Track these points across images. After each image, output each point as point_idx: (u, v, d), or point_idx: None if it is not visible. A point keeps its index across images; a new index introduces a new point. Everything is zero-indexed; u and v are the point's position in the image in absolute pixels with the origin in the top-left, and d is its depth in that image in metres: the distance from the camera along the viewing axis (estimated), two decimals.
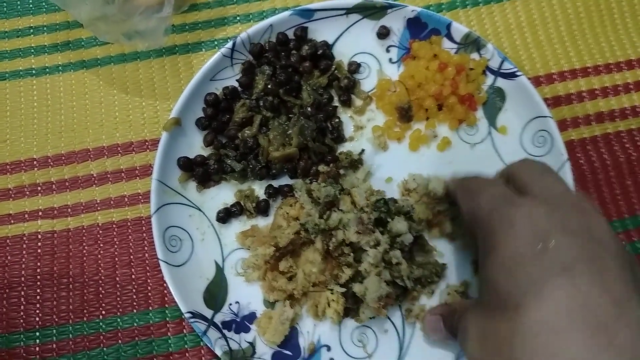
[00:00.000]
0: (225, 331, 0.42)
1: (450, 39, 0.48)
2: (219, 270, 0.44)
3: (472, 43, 0.47)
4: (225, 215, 0.45)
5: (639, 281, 0.27)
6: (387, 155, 0.47)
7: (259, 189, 0.46)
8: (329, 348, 0.42)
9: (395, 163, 0.47)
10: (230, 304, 0.43)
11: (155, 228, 0.43)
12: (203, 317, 0.42)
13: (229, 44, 0.46)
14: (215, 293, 0.43)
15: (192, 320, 0.41)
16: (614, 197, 0.48)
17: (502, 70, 0.47)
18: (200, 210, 0.46)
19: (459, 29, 0.47)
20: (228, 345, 0.41)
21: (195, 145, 0.47)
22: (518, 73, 0.46)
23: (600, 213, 0.30)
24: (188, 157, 0.46)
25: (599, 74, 0.51)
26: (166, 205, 0.44)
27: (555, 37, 0.52)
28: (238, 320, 0.43)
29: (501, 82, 0.47)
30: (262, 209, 0.45)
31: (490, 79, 0.47)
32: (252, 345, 0.42)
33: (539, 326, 0.25)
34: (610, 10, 0.53)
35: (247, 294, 0.44)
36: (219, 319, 0.42)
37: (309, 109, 0.47)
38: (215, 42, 0.52)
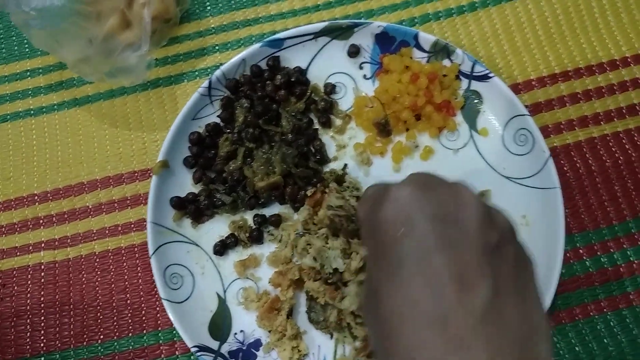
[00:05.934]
0: None
1: (420, 48, 0.48)
2: (221, 301, 0.46)
3: (441, 50, 0.47)
4: (222, 248, 0.47)
5: (506, 264, 0.26)
6: (372, 170, 0.48)
7: (251, 219, 0.48)
8: None
9: (380, 177, 0.47)
10: (236, 333, 0.45)
11: (155, 268, 0.44)
12: (209, 350, 0.43)
13: (205, 83, 0.48)
14: (220, 324, 0.45)
15: (199, 353, 0.43)
16: (601, 204, 0.46)
17: (474, 74, 0.47)
18: (197, 245, 0.47)
19: (426, 38, 0.47)
20: None
21: (186, 183, 0.48)
22: (490, 75, 0.46)
23: (475, 196, 0.28)
24: (179, 196, 0.47)
25: (581, 76, 0.49)
26: (164, 245, 0.46)
27: (533, 42, 0.51)
28: (244, 348, 0.44)
29: (476, 85, 0.47)
30: (255, 238, 0.47)
31: (465, 83, 0.48)
32: None
33: (391, 313, 0.26)
34: (590, 9, 0.51)
35: (250, 322, 0.45)
36: (225, 349, 0.44)
37: (290, 135, 0.48)
38: (197, 73, 0.53)
